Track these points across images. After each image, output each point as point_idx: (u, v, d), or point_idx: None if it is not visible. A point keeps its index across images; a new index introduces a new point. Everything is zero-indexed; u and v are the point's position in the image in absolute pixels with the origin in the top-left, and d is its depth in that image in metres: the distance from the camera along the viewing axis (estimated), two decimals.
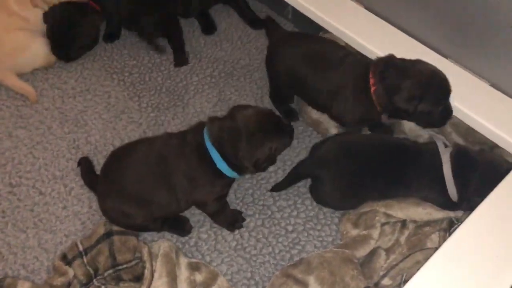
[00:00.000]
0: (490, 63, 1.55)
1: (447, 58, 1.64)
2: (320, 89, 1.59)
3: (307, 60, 1.62)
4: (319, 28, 1.93)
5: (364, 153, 1.52)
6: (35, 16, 1.87)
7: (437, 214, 1.49)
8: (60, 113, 1.78)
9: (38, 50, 1.85)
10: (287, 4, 2.04)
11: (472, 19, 1.51)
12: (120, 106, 1.82)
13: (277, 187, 1.61)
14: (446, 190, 1.45)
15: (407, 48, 1.66)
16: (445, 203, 1.48)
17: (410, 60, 1.47)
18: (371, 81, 1.47)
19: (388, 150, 1.52)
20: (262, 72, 1.97)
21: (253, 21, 2.16)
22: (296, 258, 1.45)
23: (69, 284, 1.31)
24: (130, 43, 2.04)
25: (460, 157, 1.45)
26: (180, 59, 1.99)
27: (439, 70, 1.45)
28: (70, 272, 1.32)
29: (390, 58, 1.49)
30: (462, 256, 1.19)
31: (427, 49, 1.67)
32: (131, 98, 1.86)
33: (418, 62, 1.46)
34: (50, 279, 1.32)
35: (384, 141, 1.56)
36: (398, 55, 1.56)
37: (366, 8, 1.83)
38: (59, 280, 1.30)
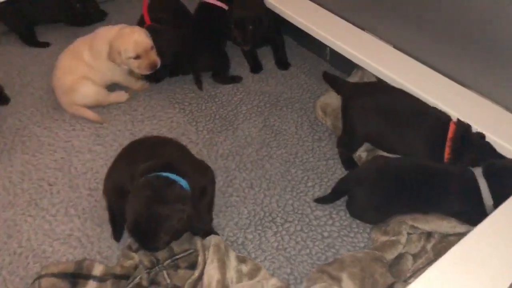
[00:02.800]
0: None
1: (470, 89, 1.85)
2: (395, 147, 1.77)
3: (383, 116, 1.77)
4: (354, 66, 2.20)
5: (397, 174, 1.65)
6: (99, 68, 2.17)
7: (461, 228, 1.62)
8: (130, 134, 2.10)
9: (86, 93, 2.14)
10: (326, 46, 2.34)
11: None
12: (181, 129, 2.12)
13: (322, 200, 1.80)
14: (480, 205, 1.58)
15: (436, 82, 1.89)
16: (474, 218, 1.55)
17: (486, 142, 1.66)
18: (447, 150, 1.66)
19: (420, 171, 1.64)
20: (302, 103, 2.25)
21: (279, 62, 2.47)
22: (331, 260, 1.62)
23: (136, 267, 1.55)
24: (190, 79, 2.38)
25: (493, 170, 1.57)
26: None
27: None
28: (136, 257, 1.56)
29: (467, 132, 1.66)
30: (475, 254, 1.32)
31: (449, 81, 1.90)
32: (189, 123, 2.16)
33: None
34: (120, 261, 1.57)
35: (416, 163, 1.68)
36: (428, 88, 1.79)
37: (395, 47, 2.09)
38: (128, 263, 1.54)
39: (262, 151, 2.03)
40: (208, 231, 1.63)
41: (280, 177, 1.92)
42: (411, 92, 1.88)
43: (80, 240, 1.70)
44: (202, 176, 1.64)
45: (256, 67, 2.45)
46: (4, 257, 1.65)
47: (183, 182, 1.50)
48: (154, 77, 2.32)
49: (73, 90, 2.13)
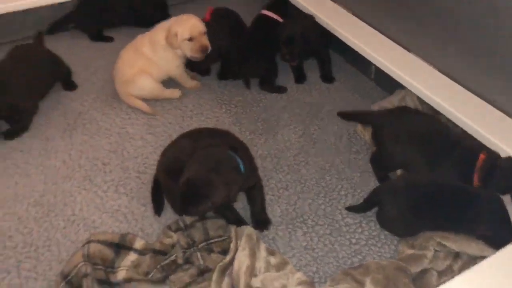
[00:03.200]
0: None
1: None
2: (427, 173, 1.82)
3: (416, 143, 1.84)
4: (397, 86, 2.28)
5: (427, 191, 1.73)
6: (157, 61, 2.36)
7: (489, 252, 1.64)
8: (179, 127, 2.26)
9: (143, 86, 2.32)
10: (371, 64, 2.43)
11: None
12: (225, 128, 2.26)
13: (353, 209, 1.88)
14: (507, 230, 1.63)
15: (481, 109, 1.95)
16: (501, 243, 1.59)
17: None
18: (475, 178, 1.73)
19: (450, 191, 1.72)
20: None
21: (324, 76, 2.59)
22: (356, 265, 1.69)
23: (173, 245, 1.68)
24: (238, 83, 2.53)
25: None
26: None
27: None
28: (175, 237, 1.69)
29: (496, 161, 1.71)
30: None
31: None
32: (234, 123, 2.30)
33: None
34: (160, 238, 1.71)
35: (447, 183, 1.76)
36: (471, 115, 1.87)
37: (440, 71, 2.16)
38: (167, 240, 1.68)
39: (299, 157, 2.13)
40: (264, 220, 1.79)
41: (314, 182, 2.01)
42: (455, 118, 1.94)
43: (125, 216, 1.86)
44: (255, 173, 1.78)
45: (300, 78, 2.58)
46: (59, 222, 1.83)
47: (241, 166, 1.63)
48: (202, 68, 2.55)
49: (131, 82, 2.32)
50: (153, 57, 2.36)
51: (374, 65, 2.38)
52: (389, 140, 1.92)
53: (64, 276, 1.58)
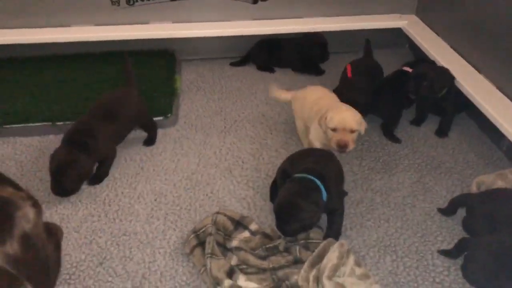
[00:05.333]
0: None
1: None
2: None
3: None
4: None
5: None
6: (309, 121, 2.52)
7: None
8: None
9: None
10: (504, 137, 2.50)
11: None
12: (346, 159, 2.58)
13: (445, 253, 2.01)
14: None
15: None
16: None
17: None
18: None
19: None
20: (461, 176, 2.47)
21: (439, 129, 2.76)
22: None
23: (280, 236, 2.05)
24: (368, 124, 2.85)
25: None
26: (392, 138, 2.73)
27: None
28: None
29: None
30: None
31: None
32: (356, 158, 2.62)
33: None
34: (271, 226, 2.10)
35: None
36: None
37: None
38: (275, 229, 2.07)
39: (407, 199, 2.34)
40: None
41: (415, 223, 2.20)
42: None
43: (249, 204, 2.31)
44: (338, 202, 2.07)
45: (418, 120, 2.84)
46: (200, 195, 2.37)
47: (324, 194, 1.96)
48: None
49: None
50: (309, 115, 2.51)
51: (508, 138, 2.42)
52: (482, 220, 2.02)
53: (195, 231, 2.08)
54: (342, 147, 2.22)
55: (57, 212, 2.26)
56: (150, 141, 2.72)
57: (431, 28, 3.42)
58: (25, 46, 3.38)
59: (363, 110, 2.70)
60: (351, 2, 3.59)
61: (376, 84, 2.89)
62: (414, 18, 3.63)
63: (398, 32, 3.61)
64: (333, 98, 2.54)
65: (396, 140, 2.74)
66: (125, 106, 2.53)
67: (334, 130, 2.24)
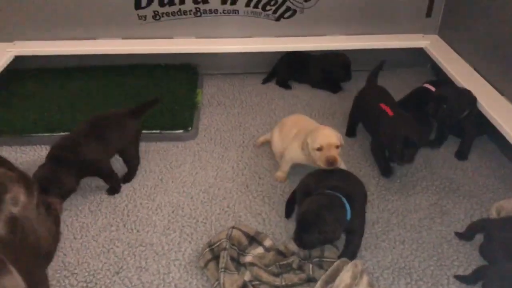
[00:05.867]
0: None
1: None
2: None
3: None
4: None
5: None
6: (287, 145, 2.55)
7: None
8: None
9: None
10: None
11: None
12: (365, 179, 2.56)
13: (461, 279, 1.99)
14: None
15: None
16: None
17: None
18: None
19: None
20: (480, 200, 2.44)
21: (459, 152, 2.73)
22: None
23: (293, 252, 2.06)
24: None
25: None
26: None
27: None
28: (296, 247, 2.08)
29: None
30: None
31: None
32: (373, 177, 2.61)
33: None
34: (285, 243, 2.11)
35: None
36: None
37: None
38: (289, 246, 2.07)
39: (424, 221, 2.32)
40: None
41: (431, 246, 2.17)
42: None
43: (264, 220, 2.33)
44: (360, 224, 2.06)
45: (439, 140, 2.81)
46: (216, 209, 2.40)
47: (348, 213, 1.97)
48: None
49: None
50: (285, 140, 2.59)
51: None
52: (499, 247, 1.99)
53: (210, 245, 2.10)
54: (332, 163, 2.26)
55: (78, 220, 2.33)
56: (128, 176, 2.59)
57: (453, 49, 3.40)
58: (54, 57, 3.51)
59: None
60: (375, 21, 3.61)
61: (398, 102, 2.89)
62: (436, 38, 3.62)
63: (420, 52, 3.60)
64: (310, 121, 2.65)
65: (434, 144, 2.76)
66: (112, 126, 2.47)
67: (319, 149, 2.29)
